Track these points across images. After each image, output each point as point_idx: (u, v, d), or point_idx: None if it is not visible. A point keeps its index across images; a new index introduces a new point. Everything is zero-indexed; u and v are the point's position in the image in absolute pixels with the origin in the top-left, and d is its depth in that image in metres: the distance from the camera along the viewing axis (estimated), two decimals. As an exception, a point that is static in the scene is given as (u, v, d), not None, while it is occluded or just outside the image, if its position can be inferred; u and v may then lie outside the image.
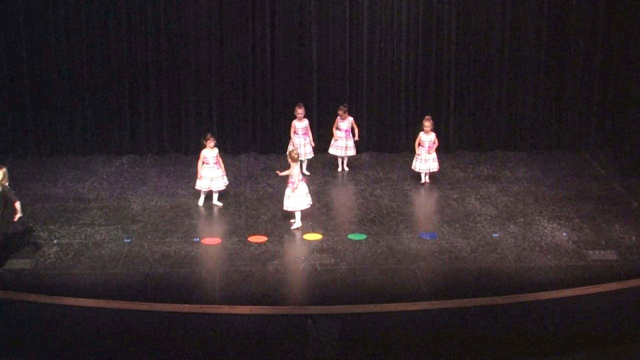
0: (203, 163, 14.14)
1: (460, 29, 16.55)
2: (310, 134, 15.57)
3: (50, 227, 13.50)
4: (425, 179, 15.31)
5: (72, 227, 13.55)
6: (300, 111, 15.44)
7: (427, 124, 15.11)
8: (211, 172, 14.16)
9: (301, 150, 15.23)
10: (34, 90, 16.21)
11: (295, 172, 13.49)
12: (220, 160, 14.28)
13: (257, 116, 16.70)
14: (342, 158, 15.88)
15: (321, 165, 16.07)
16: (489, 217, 14.04)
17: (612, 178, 15.64)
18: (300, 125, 15.50)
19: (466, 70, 16.73)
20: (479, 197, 14.87)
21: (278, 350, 10.50)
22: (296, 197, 13.49)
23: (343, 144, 15.73)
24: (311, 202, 13.70)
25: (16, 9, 15.82)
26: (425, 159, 15.15)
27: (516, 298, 11.54)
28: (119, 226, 13.59)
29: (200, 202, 14.34)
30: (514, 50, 16.67)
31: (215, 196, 14.36)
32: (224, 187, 14.33)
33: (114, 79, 16.29)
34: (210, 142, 14.12)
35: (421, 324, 11.10)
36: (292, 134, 15.55)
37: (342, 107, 15.70)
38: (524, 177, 15.74)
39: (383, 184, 15.40)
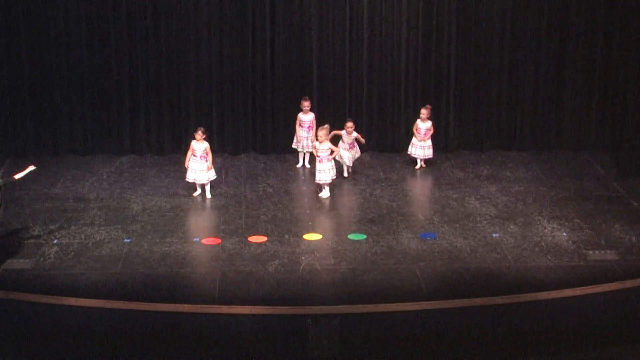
0: (191, 154, 14.46)
1: (460, 29, 16.54)
2: (314, 127, 15.62)
3: (50, 227, 13.50)
4: (420, 163, 15.96)
5: (72, 227, 13.55)
6: (306, 104, 15.70)
7: (424, 111, 15.70)
8: (195, 165, 14.45)
9: (304, 143, 15.77)
10: (34, 90, 16.20)
11: (326, 147, 14.42)
12: (210, 155, 14.51)
13: (257, 116, 16.69)
14: (348, 167, 15.60)
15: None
16: (489, 217, 14.04)
17: (612, 178, 15.65)
18: (306, 118, 15.71)
19: (466, 70, 16.72)
20: (479, 197, 14.87)
21: (278, 350, 10.50)
22: (326, 170, 14.43)
23: (349, 155, 15.44)
24: (335, 176, 14.63)
25: (16, 9, 15.81)
26: (421, 146, 15.78)
27: (516, 298, 11.54)
28: (119, 226, 13.59)
29: (196, 193, 14.66)
30: (514, 50, 16.66)
31: (207, 188, 14.66)
32: (207, 182, 14.57)
33: (114, 79, 16.28)
34: (198, 135, 14.42)
35: (421, 324, 11.11)
36: (297, 127, 15.78)
37: (349, 121, 15.36)
38: (524, 177, 15.74)
39: (383, 184, 15.40)
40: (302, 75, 16.54)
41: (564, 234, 13.46)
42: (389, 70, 16.64)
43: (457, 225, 13.73)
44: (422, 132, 15.75)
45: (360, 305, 11.41)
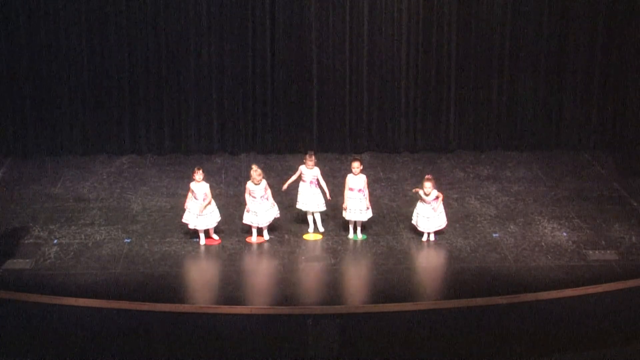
0: (192, 196, 12.88)
1: (460, 29, 16.54)
2: (318, 184, 13.46)
3: (50, 227, 13.51)
4: (429, 237, 13.15)
5: (72, 227, 13.55)
6: (310, 159, 13.29)
7: (428, 184, 12.82)
8: (196, 207, 12.80)
9: (310, 202, 13.36)
10: (34, 90, 16.21)
11: (263, 186, 13.03)
12: (209, 198, 12.83)
13: (257, 116, 16.69)
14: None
15: (321, 166, 16.03)
16: (489, 217, 14.04)
17: (612, 178, 15.65)
18: (310, 174, 13.37)
19: (466, 70, 16.72)
20: (479, 197, 14.87)
21: (278, 350, 10.50)
22: (262, 212, 13.02)
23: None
24: (278, 214, 13.21)
25: (16, 9, 15.82)
26: (428, 217, 13.02)
27: (516, 298, 11.55)
28: (119, 226, 13.59)
29: (202, 240, 13.03)
30: (514, 50, 16.66)
31: (212, 233, 13.11)
32: (213, 225, 12.96)
33: (114, 79, 16.29)
34: (197, 175, 12.72)
35: (421, 324, 11.10)
36: (299, 181, 13.45)
37: (356, 160, 13.20)
38: (524, 177, 15.75)
39: (383, 184, 15.40)
40: (302, 75, 16.53)
41: (564, 234, 13.46)
42: (389, 70, 16.64)
43: (457, 225, 13.73)
44: (428, 202, 12.98)
45: (360, 305, 11.41)
